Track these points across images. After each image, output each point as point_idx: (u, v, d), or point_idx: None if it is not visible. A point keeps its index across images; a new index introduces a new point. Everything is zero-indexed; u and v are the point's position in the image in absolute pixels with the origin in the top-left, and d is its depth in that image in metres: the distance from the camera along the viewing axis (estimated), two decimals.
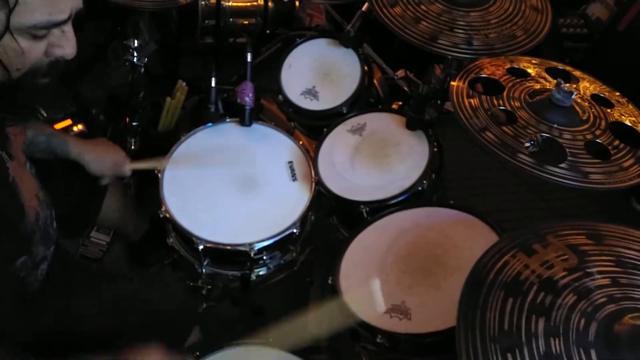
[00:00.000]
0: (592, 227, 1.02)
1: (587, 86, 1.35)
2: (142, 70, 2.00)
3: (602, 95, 1.33)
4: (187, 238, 1.47)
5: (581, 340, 0.85)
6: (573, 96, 1.22)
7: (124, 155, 1.56)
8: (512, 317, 0.88)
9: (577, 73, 1.40)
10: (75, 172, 1.52)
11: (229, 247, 1.44)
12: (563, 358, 0.83)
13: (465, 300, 0.91)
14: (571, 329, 0.86)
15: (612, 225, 1.03)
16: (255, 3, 2.51)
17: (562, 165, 1.13)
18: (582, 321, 0.87)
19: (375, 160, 1.59)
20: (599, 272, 0.94)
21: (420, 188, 1.50)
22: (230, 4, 2.47)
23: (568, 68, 1.42)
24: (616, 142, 1.21)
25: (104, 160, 1.51)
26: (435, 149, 1.58)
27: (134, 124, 2.07)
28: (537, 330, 0.86)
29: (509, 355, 0.83)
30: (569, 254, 0.96)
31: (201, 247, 1.43)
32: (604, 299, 0.90)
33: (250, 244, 1.43)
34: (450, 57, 1.51)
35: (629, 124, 1.26)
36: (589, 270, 0.94)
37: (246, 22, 2.52)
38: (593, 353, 0.83)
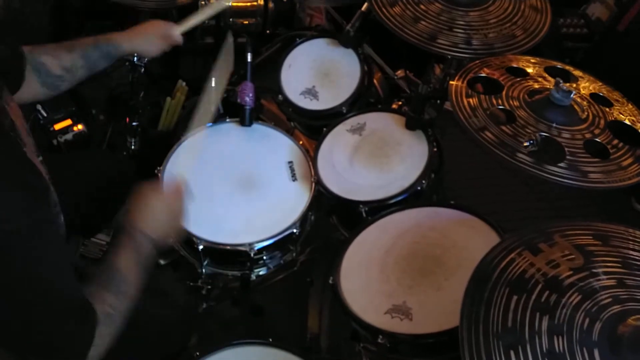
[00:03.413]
0: (599, 227, 1.03)
1: (586, 85, 1.35)
2: (142, 70, 2.00)
3: (601, 94, 1.33)
4: (187, 238, 1.47)
5: (585, 340, 0.85)
6: (572, 95, 1.22)
7: (165, 23, 1.57)
8: (516, 315, 0.88)
9: (577, 72, 1.40)
10: (96, 180, 1.53)
11: (229, 247, 1.44)
12: (566, 356, 0.83)
13: (470, 296, 0.91)
14: (575, 328, 0.87)
15: (618, 227, 1.03)
16: (255, 3, 2.51)
17: (561, 164, 1.13)
18: (587, 321, 0.88)
19: (375, 160, 1.59)
20: (605, 273, 0.94)
21: (419, 188, 1.50)
22: (230, 4, 2.46)
23: (567, 67, 1.42)
24: (615, 141, 1.21)
25: (152, 37, 1.53)
26: (435, 149, 1.58)
27: (134, 124, 2.07)
28: (540, 328, 0.86)
29: (512, 352, 0.83)
30: (575, 254, 0.97)
31: (201, 247, 1.43)
32: (609, 300, 0.90)
33: (250, 244, 1.43)
34: (449, 56, 1.51)
35: (628, 123, 1.26)
36: (594, 270, 0.95)
37: (246, 22, 2.51)
38: (596, 353, 0.84)
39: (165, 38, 1.55)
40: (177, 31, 1.56)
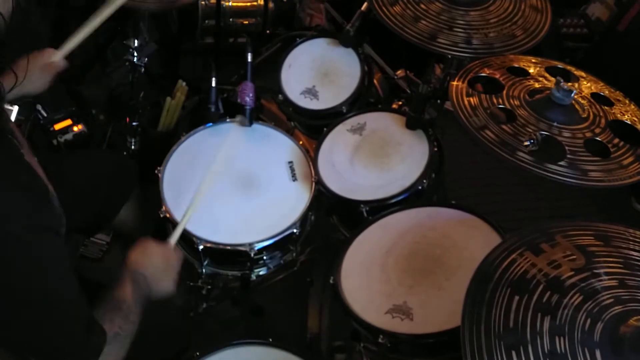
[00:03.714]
0: (600, 228, 1.03)
1: (587, 84, 1.35)
2: (142, 70, 2.01)
3: (601, 93, 1.32)
4: (187, 238, 1.47)
5: (586, 340, 0.85)
6: (573, 94, 1.22)
7: (41, 53, 1.42)
8: (517, 315, 0.88)
9: (577, 72, 1.40)
10: (98, 177, 1.53)
11: (229, 247, 1.44)
12: (568, 357, 0.83)
13: (472, 296, 0.91)
14: (577, 328, 0.87)
15: (620, 227, 1.03)
16: (255, 3, 2.51)
17: (562, 163, 1.13)
18: (588, 321, 0.88)
19: (375, 159, 1.59)
20: (606, 274, 0.94)
21: (420, 187, 1.50)
22: (230, 4, 2.46)
23: (568, 67, 1.42)
24: (616, 140, 1.21)
25: (33, 74, 1.37)
26: (435, 149, 1.58)
27: (134, 124, 2.07)
28: (542, 328, 0.86)
29: (513, 353, 0.83)
30: (577, 254, 0.97)
31: (201, 247, 1.43)
32: (610, 300, 0.90)
33: (250, 244, 1.43)
34: (449, 56, 1.51)
35: (629, 122, 1.26)
36: (596, 271, 0.94)
37: (246, 22, 2.52)
38: (598, 353, 0.84)
39: (46, 69, 1.42)
40: (56, 57, 1.43)
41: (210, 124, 1.69)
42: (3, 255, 0.87)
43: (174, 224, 1.47)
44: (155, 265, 1.23)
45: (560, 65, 1.42)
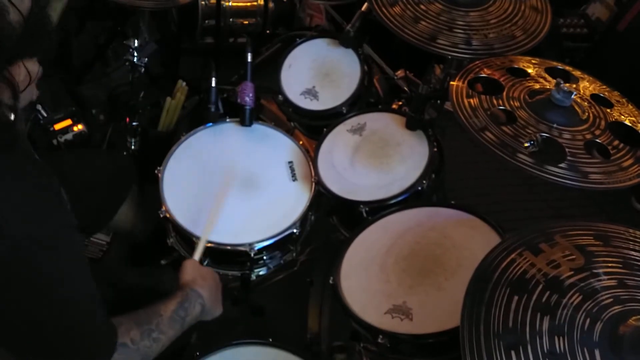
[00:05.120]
0: (599, 228, 1.03)
1: (587, 86, 1.35)
2: (142, 70, 2.01)
3: (601, 95, 1.33)
4: (187, 238, 1.47)
5: (586, 340, 0.85)
6: (572, 96, 1.22)
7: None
8: (517, 315, 0.88)
9: (577, 73, 1.40)
10: (95, 177, 1.53)
11: (229, 247, 1.44)
12: (567, 357, 0.83)
13: (471, 296, 0.91)
14: (576, 328, 0.87)
15: (619, 227, 1.03)
16: (255, 3, 2.51)
17: (562, 165, 1.13)
18: (587, 321, 0.88)
19: (375, 160, 1.59)
20: (606, 273, 0.94)
21: (420, 188, 1.50)
22: (230, 4, 2.47)
23: (568, 68, 1.42)
24: (616, 142, 1.21)
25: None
26: (435, 149, 1.58)
27: (134, 124, 2.07)
28: (541, 328, 0.86)
29: (513, 352, 0.83)
30: (576, 254, 0.97)
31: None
32: (609, 300, 0.90)
33: (250, 244, 1.43)
34: (449, 57, 1.51)
35: (629, 123, 1.26)
36: (595, 270, 0.95)
37: (246, 22, 2.52)
38: (597, 353, 0.84)
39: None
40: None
41: (210, 124, 1.69)
42: (27, 261, 0.85)
43: (173, 224, 1.48)
44: (210, 285, 1.26)
45: (559, 66, 1.42)
